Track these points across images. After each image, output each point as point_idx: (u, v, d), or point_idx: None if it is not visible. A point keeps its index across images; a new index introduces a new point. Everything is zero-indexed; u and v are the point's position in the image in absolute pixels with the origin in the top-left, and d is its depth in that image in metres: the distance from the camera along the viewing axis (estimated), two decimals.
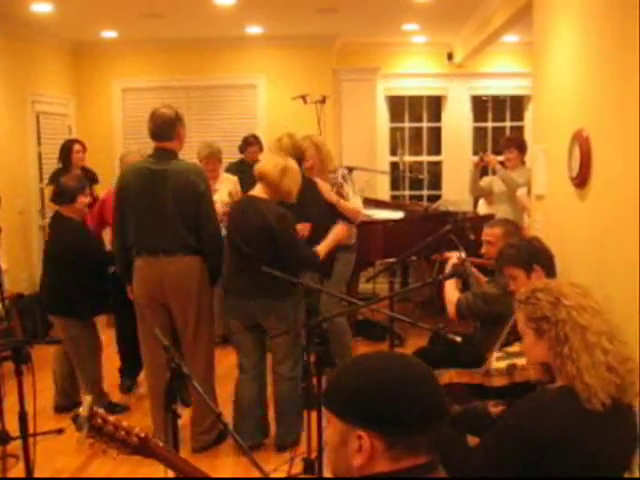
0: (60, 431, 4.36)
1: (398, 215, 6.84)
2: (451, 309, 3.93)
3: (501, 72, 8.73)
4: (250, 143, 6.98)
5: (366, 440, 1.37)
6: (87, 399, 1.72)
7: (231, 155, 6.90)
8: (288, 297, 4.09)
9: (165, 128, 4.10)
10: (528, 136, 8.24)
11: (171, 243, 4.06)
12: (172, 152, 4.14)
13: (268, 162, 4.18)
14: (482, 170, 6.45)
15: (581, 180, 3.64)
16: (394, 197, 8.87)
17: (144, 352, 4.33)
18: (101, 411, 1.73)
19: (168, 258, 4.06)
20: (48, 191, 6.98)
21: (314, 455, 3.66)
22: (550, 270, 3.32)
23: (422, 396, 1.39)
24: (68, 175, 5.35)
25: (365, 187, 7.67)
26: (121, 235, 4.19)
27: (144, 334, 4.26)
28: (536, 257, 3.30)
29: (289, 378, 4.25)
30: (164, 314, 4.18)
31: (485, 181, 6.37)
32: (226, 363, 5.30)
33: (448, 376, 2.68)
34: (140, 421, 4.46)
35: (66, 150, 6.86)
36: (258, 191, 4.16)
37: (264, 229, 4.02)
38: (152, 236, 4.07)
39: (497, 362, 2.80)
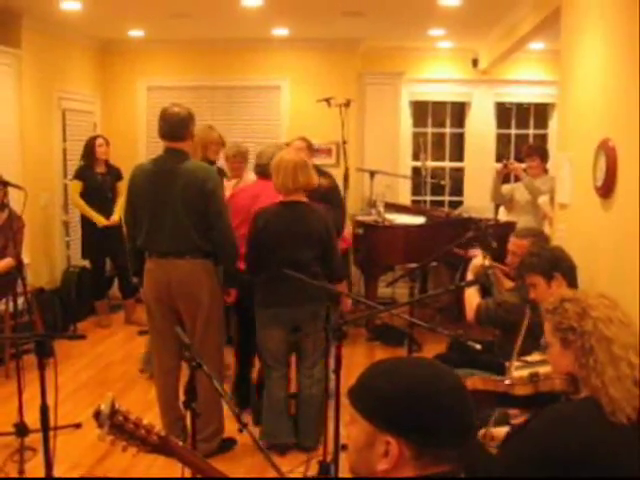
0: (78, 425, 4.41)
1: (419, 220, 6.83)
2: (470, 314, 3.92)
3: (526, 79, 8.68)
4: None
5: (394, 446, 1.35)
6: (109, 396, 1.73)
7: (254, 154, 6.89)
8: (327, 301, 4.17)
9: (179, 128, 4.03)
10: (552, 144, 8.21)
11: (179, 245, 3.99)
12: (183, 153, 4.07)
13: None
14: (504, 177, 6.42)
15: (606, 190, 3.61)
16: (415, 202, 8.84)
17: (154, 354, 4.33)
18: (122, 409, 1.73)
19: (176, 261, 3.99)
20: (72, 187, 7.04)
21: (330, 458, 3.67)
22: (571, 280, 3.30)
23: (456, 409, 1.37)
24: None
25: (386, 191, 7.66)
26: (132, 236, 4.16)
27: (154, 336, 4.26)
28: (557, 265, 3.29)
29: (320, 380, 4.27)
30: (173, 317, 4.11)
31: (506, 188, 6.34)
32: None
33: (472, 383, 2.66)
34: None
35: (90, 145, 6.94)
36: (300, 196, 4.17)
37: (320, 236, 4.13)
38: (161, 238, 4.01)
39: (518, 371, 2.78)
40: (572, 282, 3.29)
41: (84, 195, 6.87)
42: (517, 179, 6.40)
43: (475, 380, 2.70)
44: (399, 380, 1.39)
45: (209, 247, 4.04)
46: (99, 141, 6.96)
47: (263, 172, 4.72)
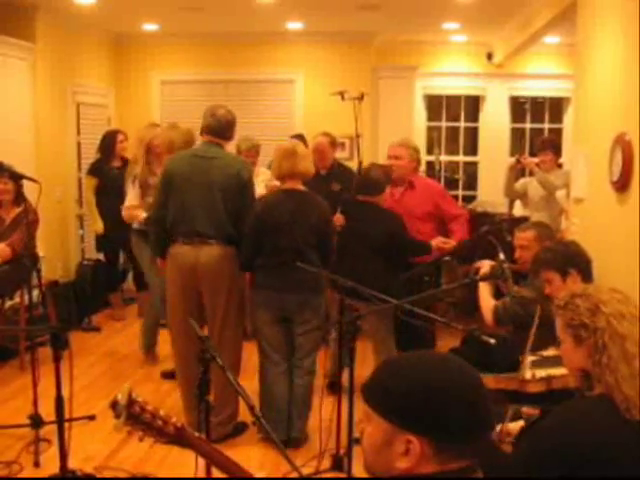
0: (92, 417, 4.43)
1: None
2: (488, 316, 3.88)
3: (541, 73, 8.65)
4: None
5: (416, 445, 1.33)
6: (126, 387, 1.73)
7: (268, 148, 6.89)
8: (322, 292, 4.22)
9: (228, 129, 4.31)
10: (567, 138, 8.17)
11: (209, 229, 4.15)
12: (221, 146, 4.32)
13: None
14: (519, 172, 6.38)
15: (622, 184, 3.60)
16: None
17: (175, 341, 4.37)
18: (139, 399, 1.73)
19: (202, 245, 4.15)
20: (87, 182, 7.02)
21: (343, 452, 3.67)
22: (587, 275, 3.28)
23: (476, 404, 1.36)
24: (376, 168, 5.05)
25: None
26: (159, 218, 4.30)
27: (175, 322, 4.32)
28: (572, 261, 3.27)
29: (311, 372, 4.30)
30: (196, 302, 4.25)
31: (520, 183, 6.30)
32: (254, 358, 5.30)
33: (485, 382, 2.65)
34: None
35: (109, 140, 6.90)
36: (294, 184, 4.20)
37: (317, 224, 4.16)
38: (191, 220, 4.16)
39: (532, 368, 2.77)
40: (587, 277, 3.26)
41: (100, 190, 6.84)
42: (532, 174, 6.37)
43: (487, 379, 2.69)
44: (417, 377, 1.37)
45: (235, 234, 4.20)
46: (120, 137, 6.92)
47: None
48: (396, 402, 1.36)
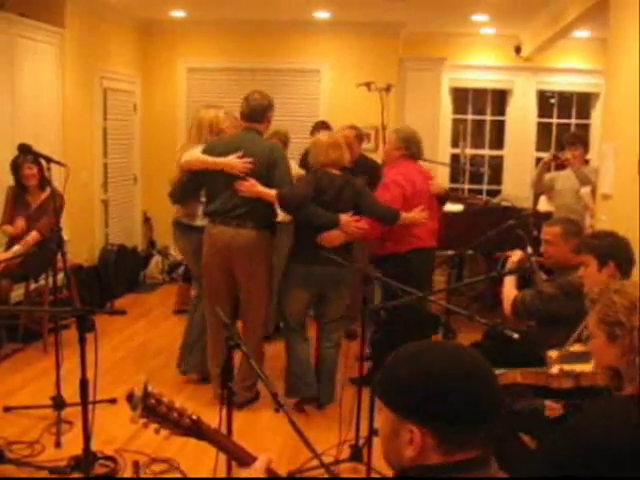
0: (113, 401, 4.46)
1: (457, 208, 6.78)
2: (507, 307, 3.89)
3: (569, 68, 8.55)
4: (318, 128, 6.87)
5: (417, 434, 1.35)
6: (142, 378, 1.73)
7: (293, 138, 6.87)
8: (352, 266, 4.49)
9: (259, 112, 4.47)
10: (594, 134, 8.09)
11: (243, 214, 4.33)
12: (258, 132, 4.50)
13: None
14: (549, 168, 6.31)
15: None
16: (453, 190, 8.77)
17: (208, 320, 4.64)
18: (155, 391, 1.74)
19: (238, 229, 4.35)
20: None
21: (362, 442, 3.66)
22: (625, 273, 3.23)
23: (477, 394, 1.35)
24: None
25: None
26: (179, 199, 4.77)
27: (210, 301, 4.51)
28: (614, 254, 3.22)
29: (337, 344, 4.65)
30: (230, 280, 4.48)
31: (547, 177, 6.24)
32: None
33: (512, 377, 2.64)
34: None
35: None
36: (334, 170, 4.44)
37: (352, 202, 4.44)
38: (226, 206, 4.36)
39: (557, 364, 2.75)
40: (624, 275, 3.21)
41: None
42: (558, 168, 6.30)
43: (515, 374, 2.67)
44: (418, 368, 1.38)
45: (269, 217, 4.44)
46: None
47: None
48: (396, 392, 1.39)
